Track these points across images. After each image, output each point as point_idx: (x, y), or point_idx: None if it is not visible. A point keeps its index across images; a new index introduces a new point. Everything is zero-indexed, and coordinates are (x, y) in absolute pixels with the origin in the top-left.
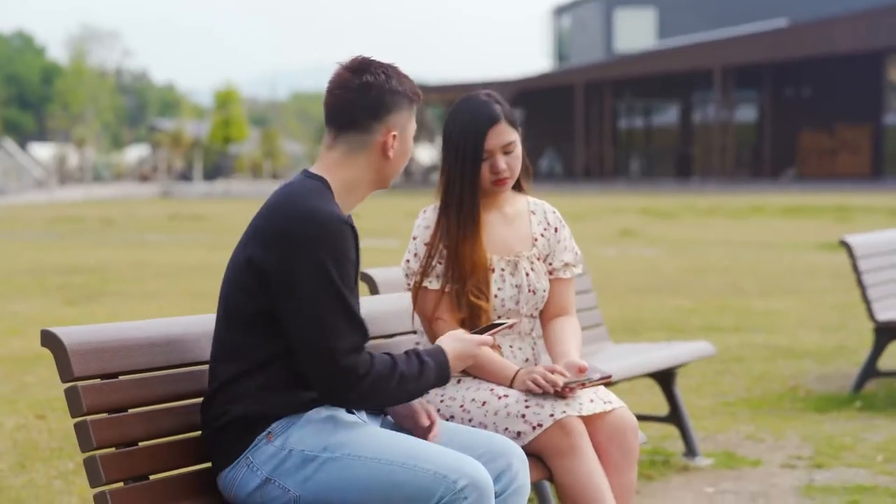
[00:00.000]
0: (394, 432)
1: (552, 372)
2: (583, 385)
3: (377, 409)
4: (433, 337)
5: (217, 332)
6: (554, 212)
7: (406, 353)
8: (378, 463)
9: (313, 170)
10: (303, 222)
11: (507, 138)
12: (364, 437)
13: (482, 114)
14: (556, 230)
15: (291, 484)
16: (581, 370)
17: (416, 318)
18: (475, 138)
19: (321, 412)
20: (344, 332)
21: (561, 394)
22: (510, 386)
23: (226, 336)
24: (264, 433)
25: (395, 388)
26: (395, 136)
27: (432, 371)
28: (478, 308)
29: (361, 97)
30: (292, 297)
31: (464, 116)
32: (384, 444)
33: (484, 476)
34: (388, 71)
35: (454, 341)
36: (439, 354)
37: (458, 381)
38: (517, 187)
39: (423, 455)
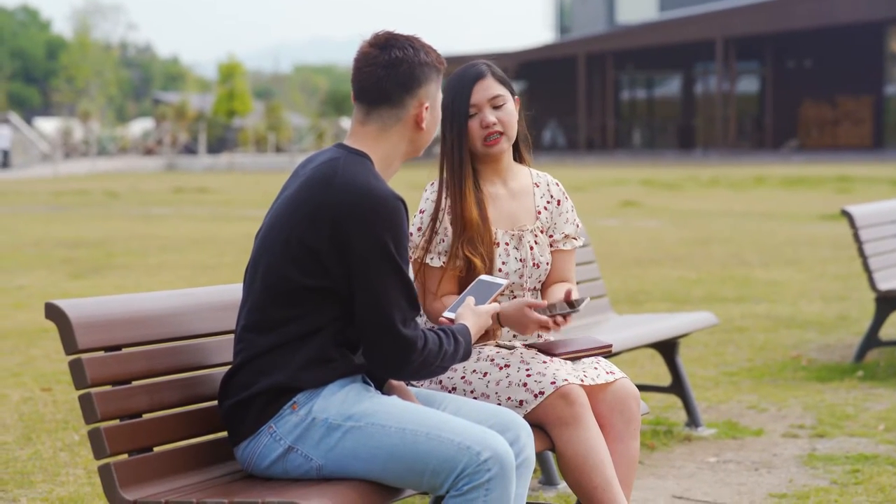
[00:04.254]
0: (416, 405)
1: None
2: (564, 318)
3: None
4: (430, 313)
5: (252, 303)
6: (557, 184)
7: (443, 330)
8: (402, 432)
9: (351, 144)
10: (362, 199)
11: (494, 91)
12: (388, 407)
13: (468, 72)
14: (558, 203)
15: (315, 453)
16: (567, 294)
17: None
18: (460, 94)
19: (345, 382)
20: (403, 306)
21: (547, 325)
22: (499, 323)
23: (265, 308)
24: (289, 403)
25: (439, 364)
26: (427, 107)
27: (462, 349)
28: (473, 265)
29: (392, 73)
30: (354, 273)
31: (453, 79)
32: (409, 414)
33: (507, 450)
34: (415, 44)
35: (474, 316)
36: (466, 333)
37: None
38: (519, 159)
39: (447, 426)
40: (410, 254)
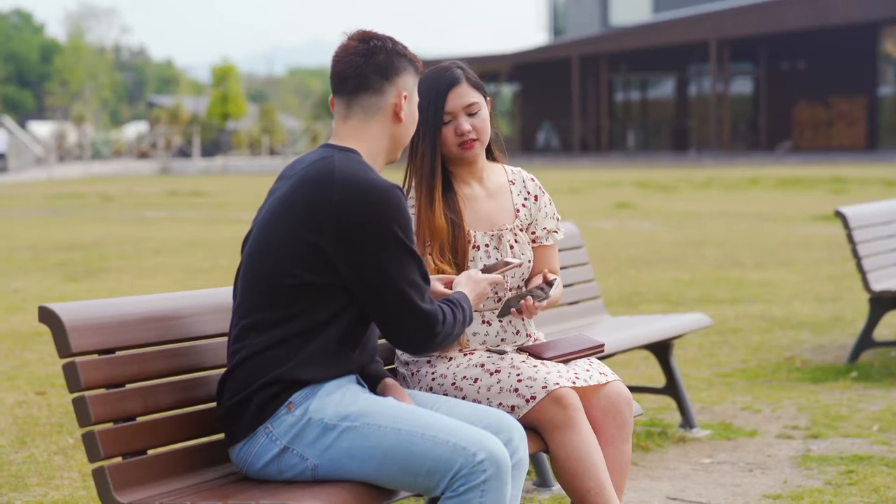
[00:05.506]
0: (412, 405)
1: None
2: (543, 293)
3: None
4: None
5: (252, 303)
6: (532, 179)
7: (448, 301)
8: (398, 433)
9: (337, 142)
10: (365, 193)
11: (469, 99)
12: (384, 408)
13: (443, 77)
14: (535, 198)
15: (310, 453)
16: (544, 278)
17: None
18: (435, 100)
19: (342, 383)
20: (420, 284)
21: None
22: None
23: (268, 307)
24: (285, 404)
25: (455, 333)
26: (405, 96)
27: (467, 314)
28: (442, 272)
29: (370, 60)
30: (368, 264)
31: (426, 82)
32: (404, 414)
33: (502, 451)
34: (393, 38)
35: (471, 283)
36: (466, 299)
37: (450, 359)
38: (492, 158)
39: (443, 427)
40: None
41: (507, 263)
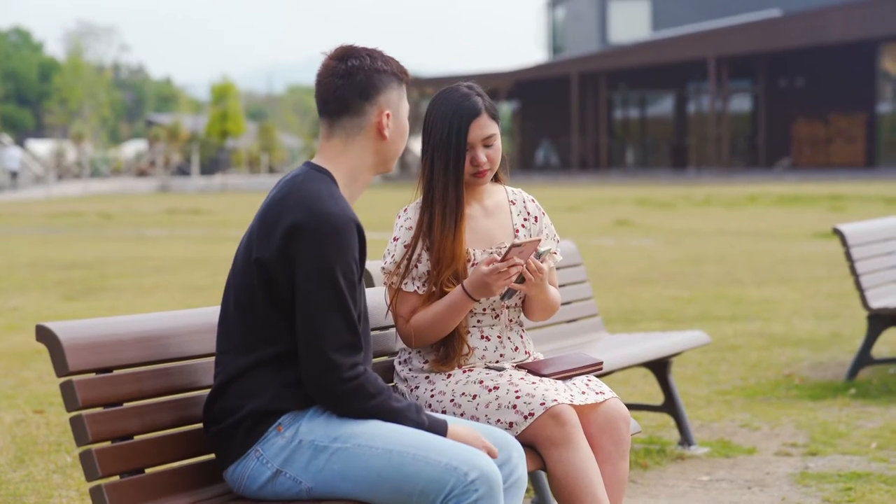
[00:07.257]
0: (403, 426)
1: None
2: (518, 248)
3: None
4: (403, 335)
5: (228, 325)
6: (533, 200)
7: (414, 403)
8: (389, 453)
9: (317, 161)
10: (310, 216)
11: (489, 131)
12: (375, 429)
13: (464, 107)
14: (535, 219)
15: (303, 475)
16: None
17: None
18: (458, 131)
19: None
20: (338, 328)
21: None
22: (466, 291)
23: (239, 330)
24: (274, 425)
25: (370, 408)
26: (388, 115)
27: (418, 425)
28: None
29: (349, 81)
30: (298, 288)
31: (445, 109)
32: (395, 435)
33: (494, 470)
34: (373, 53)
35: (461, 427)
36: (441, 427)
37: (448, 376)
38: (494, 178)
39: (434, 447)
40: (385, 280)
41: (516, 245)
